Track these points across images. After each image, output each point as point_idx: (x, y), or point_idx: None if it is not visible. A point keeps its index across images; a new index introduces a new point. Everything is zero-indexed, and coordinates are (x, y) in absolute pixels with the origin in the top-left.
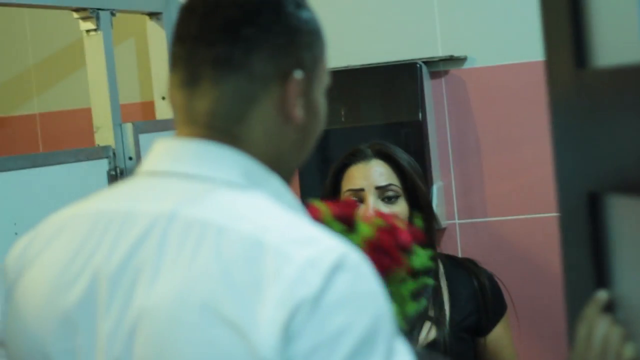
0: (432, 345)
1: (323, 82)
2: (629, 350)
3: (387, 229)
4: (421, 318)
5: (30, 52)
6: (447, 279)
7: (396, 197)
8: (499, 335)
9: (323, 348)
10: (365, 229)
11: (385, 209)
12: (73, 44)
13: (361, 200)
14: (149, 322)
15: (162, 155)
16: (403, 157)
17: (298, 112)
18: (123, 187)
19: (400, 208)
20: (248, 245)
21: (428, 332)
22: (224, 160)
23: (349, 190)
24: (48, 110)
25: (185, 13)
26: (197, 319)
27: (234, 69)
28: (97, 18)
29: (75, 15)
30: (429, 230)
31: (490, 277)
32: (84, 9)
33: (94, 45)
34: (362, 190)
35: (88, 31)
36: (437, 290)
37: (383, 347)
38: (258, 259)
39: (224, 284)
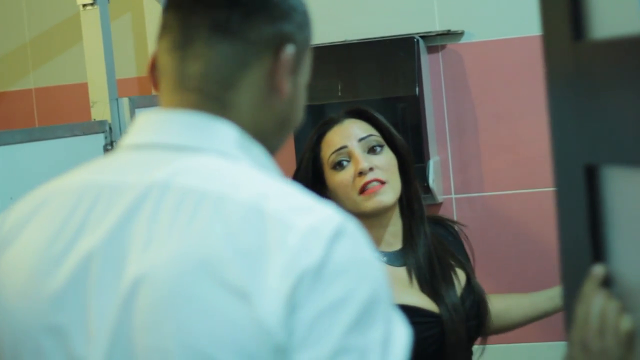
0: (468, 288)
1: (306, 73)
2: (625, 323)
3: None
4: (447, 265)
5: (27, 27)
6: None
7: (380, 146)
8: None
9: (326, 316)
10: None
11: (374, 159)
12: (69, 19)
13: (348, 158)
14: (148, 288)
15: (146, 128)
16: (375, 113)
17: (286, 85)
18: (106, 161)
19: (388, 157)
20: (248, 213)
21: (459, 279)
22: (213, 131)
23: (333, 152)
24: (44, 85)
25: None
26: (198, 284)
27: (230, 33)
28: None
29: None
30: (414, 182)
31: (455, 224)
32: None
33: (90, 20)
34: (345, 147)
35: (85, 6)
36: (442, 242)
37: (384, 315)
38: (260, 227)
39: (227, 250)
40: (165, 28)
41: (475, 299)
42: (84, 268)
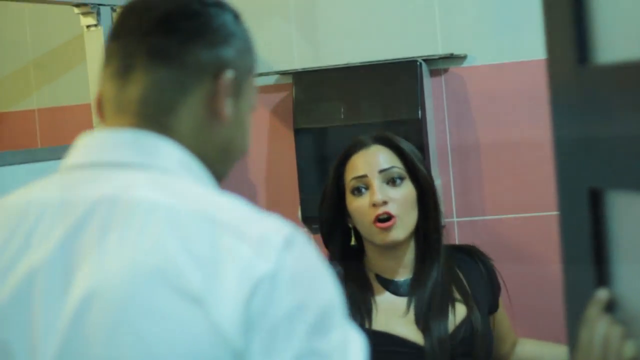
0: (464, 325)
1: (250, 100)
2: (629, 349)
3: None
4: (448, 299)
5: (30, 48)
6: (458, 266)
7: (401, 178)
8: (502, 310)
9: (285, 323)
10: None
11: (391, 192)
12: (73, 40)
13: (366, 186)
14: (102, 300)
15: (88, 148)
16: (402, 141)
17: (226, 110)
18: (50, 180)
19: (407, 190)
20: (201, 222)
21: (455, 314)
22: (157, 148)
23: (353, 178)
24: (47, 106)
25: (124, 14)
26: (154, 292)
27: (168, 59)
28: (98, 13)
29: (76, 10)
30: (434, 216)
31: (487, 257)
32: (85, 5)
33: (94, 41)
34: (365, 176)
35: (88, 26)
36: (454, 274)
37: (339, 321)
38: (213, 235)
39: (181, 258)
40: (108, 58)
41: (469, 336)
42: (28, 284)
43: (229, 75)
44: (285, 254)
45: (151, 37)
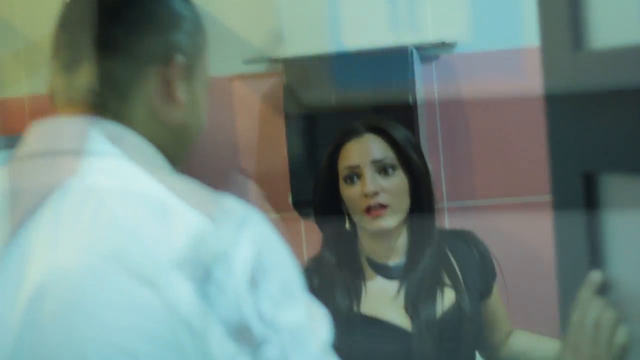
0: (453, 310)
1: (204, 79)
2: (620, 334)
3: None
4: (437, 284)
5: (20, 34)
6: (450, 250)
7: (393, 168)
8: (496, 297)
9: (243, 302)
10: None
11: (383, 182)
12: None
13: (358, 176)
14: (57, 289)
15: (40, 136)
16: (395, 129)
17: (180, 94)
18: (3, 170)
19: (399, 179)
20: (152, 205)
21: (444, 299)
22: (109, 135)
23: (346, 167)
24: (37, 93)
25: (69, 4)
26: (108, 277)
27: (116, 49)
28: None
29: None
30: (428, 202)
31: (483, 243)
32: None
33: None
34: (357, 166)
35: None
36: (445, 259)
37: (300, 296)
38: (164, 217)
39: (134, 242)
40: (56, 49)
41: (457, 320)
42: None
43: (179, 60)
44: (242, 232)
45: (99, 29)
